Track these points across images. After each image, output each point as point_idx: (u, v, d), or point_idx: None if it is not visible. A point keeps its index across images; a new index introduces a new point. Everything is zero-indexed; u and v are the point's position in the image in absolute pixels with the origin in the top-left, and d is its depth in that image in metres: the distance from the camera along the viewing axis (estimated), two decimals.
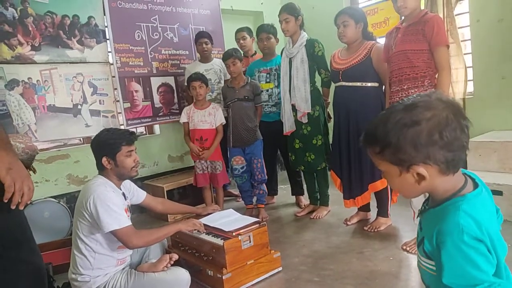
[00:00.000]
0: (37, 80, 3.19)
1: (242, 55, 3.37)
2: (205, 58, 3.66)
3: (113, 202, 1.88)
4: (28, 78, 3.15)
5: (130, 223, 1.92)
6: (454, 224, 0.84)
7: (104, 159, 1.95)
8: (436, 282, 0.90)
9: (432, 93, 0.89)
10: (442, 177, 0.88)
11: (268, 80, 3.41)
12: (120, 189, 2.06)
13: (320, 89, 3.15)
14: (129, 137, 2.01)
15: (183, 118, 3.29)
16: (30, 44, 3.15)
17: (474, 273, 0.82)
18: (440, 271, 0.86)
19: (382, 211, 2.83)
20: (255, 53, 3.89)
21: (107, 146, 1.96)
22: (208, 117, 3.24)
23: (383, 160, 0.92)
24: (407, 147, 0.85)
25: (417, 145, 0.85)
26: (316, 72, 3.12)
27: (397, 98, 2.30)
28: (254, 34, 3.75)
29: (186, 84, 3.50)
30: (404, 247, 2.40)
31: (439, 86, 2.16)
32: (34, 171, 2.60)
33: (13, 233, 1.21)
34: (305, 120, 3.08)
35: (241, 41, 3.80)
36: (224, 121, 3.28)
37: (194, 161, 3.35)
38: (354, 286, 2.03)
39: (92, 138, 2.06)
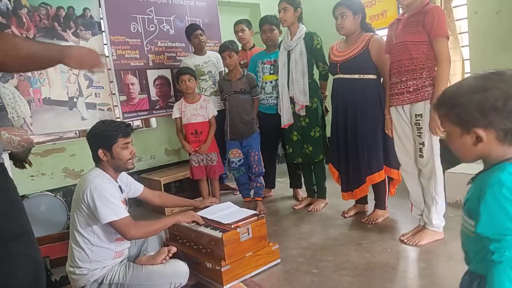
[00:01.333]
0: (32, 73, 3.15)
1: (240, 47, 3.34)
2: (200, 50, 3.64)
3: (110, 193, 1.87)
4: None
5: (128, 214, 1.91)
6: (496, 179, 0.93)
7: (100, 151, 1.94)
8: (472, 245, 1.00)
9: (508, 69, 0.98)
10: (498, 144, 0.96)
11: (272, 71, 3.37)
12: (117, 182, 2.04)
13: (318, 82, 3.14)
14: (125, 129, 1.99)
15: (175, 114, 3.27)
16: (25, 35, 3.10)
17: (507, 223, 0.90)
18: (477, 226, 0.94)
19: (380, 203, 2.83)
20: (254, 46, 3.86)
21: (103, 138, 1.94)
22: (201, 110, 3.23)
23: (448, 121, 1.02)
24: (472, 110, 0.95)
25: (482, 109, 0.93)
26: (314, 65, 3.11)
27: (396, 90, 2.30)
28: (253, 26, 3.72)
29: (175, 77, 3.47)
30: (402, 238, 2.41)
31: (439, 77, 2.15)
32: (30, 164, 2.60)
33: (11, 225, 1.19)
34: (303, 112, 3.07)
35: (240, 34, 3.76)
36: (215, 113, 3.27)
37: (189, 154, 3.34)
38: (352, 277, 2.03)
39: (88, 130, 2.03)
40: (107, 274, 1.93)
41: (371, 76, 2.65)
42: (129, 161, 2.00)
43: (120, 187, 2.05)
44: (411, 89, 2.23)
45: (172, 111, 3.85)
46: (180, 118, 3.26)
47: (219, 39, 4.18)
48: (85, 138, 2.07)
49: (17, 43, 1.18)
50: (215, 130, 3.28)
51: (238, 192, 3.65)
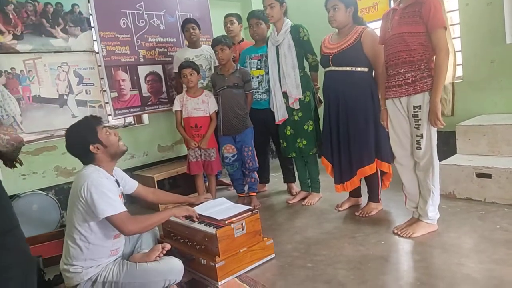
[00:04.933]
0: (21, 70, 3.11)
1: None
2: (193, 44, 3.61)
3: (108, 188, 1.85)
4: (11, 68, 3.06)
5: (125, 209, 1.90)
6: None
7: (91, 147, 1.91)
8: None
9: None
10: None
11: (259, 66, 3.35)
12: (113, 176, 2.03)
13: (309, 73, 3.13)
14: (95, 117, 2.01)
15: (176, 106, 3.25)
16: (12, 33, 3.06)
17: None
18: None
19: (373, 196, 2.84)
20: (243, 39, 3.83)
21: (85, 135, 1.92)
22: (202, 105, 3.21)
23: None
24: None
25: None
26: (304, 58, 3.10)
27: (394, 82, 2.28)
28: (244, 21, 3.69)
29: (175, 71, 3.44)
30: (396, 231, 2.42)
31: (438, 68, 2.13)
32: (21, 163, 2.55)
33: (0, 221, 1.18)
34: (296, 106, 3.06)
35: (229, 25, 3.72)
36: (217, 108, 3.25)
37: (188, 149, 3.31)
38: (347, 270, 2.04)
39: (66, 143, 1.98)
40: (101, 272, 1.91)
41: (363, 69, 2.64)
42: (119, 142, 2.01)
43: (116, 181, 2.04)
44: (409, 81, 2.21)
45: (165, 107, 3.84)
46: (181, 111, 3.24)
47: (211, 33, 4.15)
48: None
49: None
50: (215, 125, 3.26)
51: (232, 188, 3.63)
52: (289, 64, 3.02)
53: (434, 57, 2.17)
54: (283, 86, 3.09)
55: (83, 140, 1.92)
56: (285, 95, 3.11)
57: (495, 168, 2.67)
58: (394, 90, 2.30)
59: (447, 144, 3.35)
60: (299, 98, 3.04)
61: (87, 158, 1.96)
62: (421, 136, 2.23)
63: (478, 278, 1.81)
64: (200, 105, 3.20)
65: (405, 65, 2.21)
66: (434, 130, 2.23)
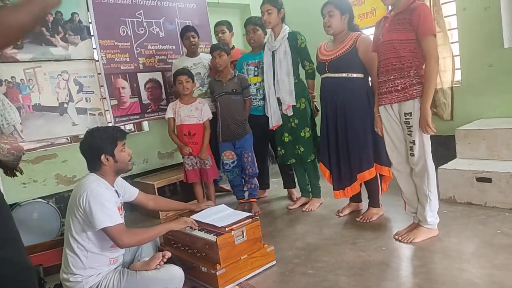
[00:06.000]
0: (21, 79, 3.12)
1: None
2: (192, 52, 3.62)
3: (106, 199, 1.86)
4: (12, 77, 3.08)
5: (123, 221, 1.90)
6: None
7: (103, 157, 1.92)
8: None
9: None
10: None
11: (256, 73, 3.37)
12: (113, 187, 2.03)
13: (305, 81, 3.14)
14: (121, 132, 2.02)
15: (169, 114, 3.26)
16: None
17: None
18: None
19: (374, 202, 2.84)
20: (234, 47, 3.85)
21: (104, 144, 1.93)
22: (195, 112, 3.21)
23: None
24: None
25: None
26: (300, 65, 3.11)
27: (385, 89, 2.29)
28: (234, 29, 3.73)
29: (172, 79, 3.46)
30: (397, 236, 2.42)
31: (427, 75, 2.14)
32: (21, 172, 2.56)
33: None
34: (290, 113, 3.07)
35: (220, 35, 3.75)
36: (211, 116, 3.25)
37: (183, 157, 3.32)
38: (348, 277, 2.03)
39: (82, 140, 2.00)
40: (101, 281, 1.91)
41: (358, 75, 2.65)
42: (129, 162, 2.03)
43: (116, 192, 2.04)
44: (399, 88, 2.22)
45: (164, 114, 3.83)
46: (174, 118, 3.24)
47: (210, 40, 4.17)
48: (77, 144, 2.05)
49: None
50: (209, 133, 3.26)
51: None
52: (284, 70, 3.03)
53: (424, 64, 2.18)
54: (277, 92, 3.10)
55: (99, 146, 1.93)
56: (279, 101, 3.11)
57: (495, 172, 2.68)
58: (385, 97, 2.32)
59: (447, 149, 3.35)
60: (294, 105, 3.05)
61: (93, 164, 1.96)
62: (414, 142, 2.24)
63: (479, 283, 1.81)
64: (193, 112, 3.21)
65: (395, 72, 2.23)
66: (426, 137, 2.23)
